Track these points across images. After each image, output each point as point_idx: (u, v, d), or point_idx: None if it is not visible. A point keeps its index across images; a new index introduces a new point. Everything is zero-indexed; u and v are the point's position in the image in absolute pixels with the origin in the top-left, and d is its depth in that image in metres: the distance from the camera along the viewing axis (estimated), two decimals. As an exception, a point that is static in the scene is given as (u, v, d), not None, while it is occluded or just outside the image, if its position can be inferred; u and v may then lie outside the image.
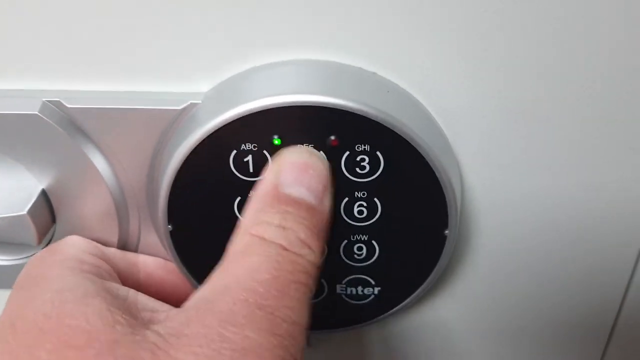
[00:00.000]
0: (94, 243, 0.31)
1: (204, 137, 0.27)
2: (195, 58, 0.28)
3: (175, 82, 0.29)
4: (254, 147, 0.27)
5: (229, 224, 0.29)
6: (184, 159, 0.27)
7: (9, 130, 0.28)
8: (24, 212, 0.29)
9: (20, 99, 0.28)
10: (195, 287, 0.31)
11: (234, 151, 0.27)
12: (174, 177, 0.28)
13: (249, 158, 0.27)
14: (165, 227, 0.29)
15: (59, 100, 0.28)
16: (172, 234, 0.30)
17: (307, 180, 0.25)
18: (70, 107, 0.28)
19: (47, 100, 0.28)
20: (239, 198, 0.29)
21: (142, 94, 0.29)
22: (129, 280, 0.31)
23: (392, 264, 0.31)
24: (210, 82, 0.29)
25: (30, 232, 0.29)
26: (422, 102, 0.29)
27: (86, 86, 0.29)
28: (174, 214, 0.29)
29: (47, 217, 0.31)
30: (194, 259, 0.31)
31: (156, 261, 0.32)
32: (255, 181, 0.28)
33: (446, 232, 0.29)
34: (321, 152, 0.27)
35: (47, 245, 0.32)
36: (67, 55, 0.28)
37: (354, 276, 0.31)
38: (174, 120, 0.28)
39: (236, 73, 0.28)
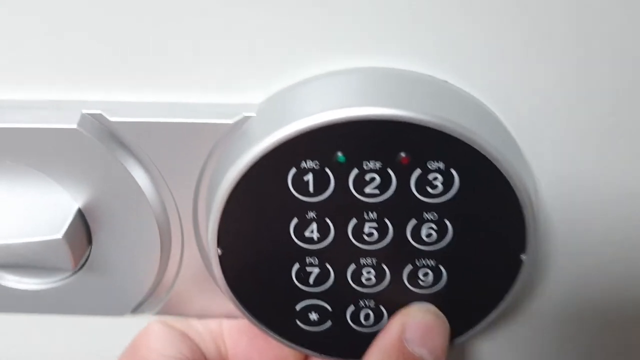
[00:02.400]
0: (175, 330, 0.30)
1: (261, 154, 0.24)
2: (247, 66, 0.26)
3: (226, 93, 0.26)
4: (316, 165, 0.25)
5: (284, 248, 0.27)
6: (239, 178, 0.25)
7: (44, 146, 0.26)
8: (60, 235, 0.26)
9: (58, 111, 0.26)
10: (246, 317, 0.29)
11: (293, 169, 0.25)
12: (226, 197, 0.25)
13: (310, 177, 0.25)
14: (214, 251, 0.27)
15: (100, 113, 0.26)
16: (222, 258, 0.27)
17: (431, 343, 0.27)
18: (113, 121, 0.26)
19: (87, 113, 0.26)
20: (295, 220, 0.26)
21: (190, 106, 0.26)
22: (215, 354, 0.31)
23: (460, 291, 0.28)
24: (264, 93, 0.26)
25: (66, 257, 0.27)
26: (497, 114, 0.26)
27: (128, 97, 0.26)
28: (225, 236, 0.26)
29: (83, 239, 0.28)
30: (243, 285, 0.28)
31: (239, 325, 0.31)
32: (315, 202, 0.25)
33: (523, 256, 0.27)
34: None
35: (81, 268, 0.29)
36: (108, 62, 0.25)
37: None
38: (225, 135, 0.26)
39: (293, 82, 0.26)
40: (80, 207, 0.28)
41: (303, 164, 0.25)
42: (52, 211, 0.27)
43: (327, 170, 0.25)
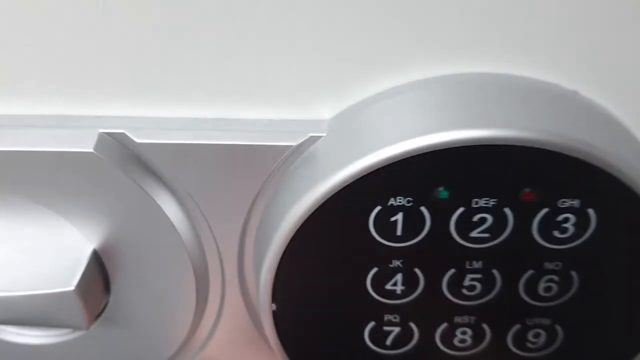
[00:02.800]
0: None
1: (337, 188, 0.18)
2: (313, 74, 0.19)
3: (285, 107, 0.20)
4: (408, 202, 0.19)
5: (357, 302, 0.21)
6: (305, 217, 0.19)
7: (52, 174, 0.20)
8: (71, 287, 0.20)
9: (69, 130, 0.20)
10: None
11: (378, 208, 0.19)
12: (287, 241, 0.19)
13: (399, 217, 0.19)
14: (267, 306, 0.21)
15: (123, 133, 0.20)
16: (276, 315, 0.21)
17: None
18: (139, 142, 0.20)
19: (106, 132, 0.20)
20: (375, 269, 0.20)
21: (238, 124, 0.20)
22: None
23: (577, 354, 0.22)
24: (333, 107, 0.20)
25: (78, 313, 0.21)
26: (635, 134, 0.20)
27: (158, 112, 0.20)
28: (281, 289, 0.21)
29: (99, 288, 0.22)
30: (301, 347, 0.22)
31: None
32: (403, 248, 0.19)
33: (666, 316, 0.21)
34: None
35: (96, 318, 0.23)
36: (134, 71, 0.19)
37: (522, 369, 0.23)
38: (285, 161, 0.20)
39: (371, 94, 0.20)
40: (96, 248, 0.22)
41: (392, 201, 0.19)
42: (63, 256, 0.21)
43: (423, 209, 0.19)
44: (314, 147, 0.20)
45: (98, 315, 0.24)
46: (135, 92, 0.20)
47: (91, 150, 0.19)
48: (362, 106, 0.20)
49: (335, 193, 0.19)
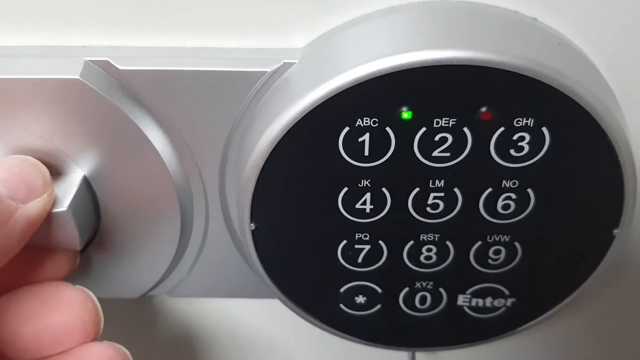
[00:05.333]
0: None
1: (307, 110, 0.20)
2: (287, 4, 0.21)
3: (261, 36, 0.21)
4: (374, 123, 0.20)
5: (330, 222, 0.22)
6: (278, 139, 0.20)
7: (40, 101, 0.21)
8: (64, 207, 0.22)
9: (56, 59, 0.21)
10: (281, 300, 0.25)
11: (346, 129, 0.20)
12: (263, 162, 0.21)
13: (366, 137, 0.20)
14: (246, 226, 0.22)
15: (107, 60, 0.21)
16: (255, 234, 0.23)
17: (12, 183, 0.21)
18: (123, 69, 0.21)
19: (91, 60, 0.21)
20: (345, 189, 0.22)
21: (217, 52, 0.21)
22: None
23: (536, 270, 0.24)
24: (306, 36, 0.21)
25: (72, 234, 0.22)
26: (594, 61, 0.21)
27: (141, 41, 0.22)
28: (259, 209, 0.22)
29: (90, 213, 0.24)
30: (279, 265, 0.24)
31: None
32: (371, 168, 0.21)
33: (615, 231, 0.22)
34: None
35: (88, 245, 0.25)
36: (116, 1, 0.21)
37: (483, 285, 0.24)
38: (261, 87, 0.21)
39: (342, 22, 0.21)
40: (85, 174, 0.23)
41: (359, 122, 0.20)
42: (54, 180, 0.23)
43: (388, 129, 0.20)
44: (288, 74, 0.21)
45: (90, 242, 0.25)
46: (117, 22, 0.21)
47: (77, 77, 0.21)
48: (332, 34, 0.21)
49: (306, 115, 0.20)
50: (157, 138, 0.22)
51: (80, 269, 0.26)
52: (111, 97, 0.21)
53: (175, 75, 0.21)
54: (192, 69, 0.21)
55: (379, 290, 0.24)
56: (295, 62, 0.21)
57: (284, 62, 0.21)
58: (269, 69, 0.21)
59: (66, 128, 0.22)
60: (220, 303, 0.29)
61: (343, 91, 0.19)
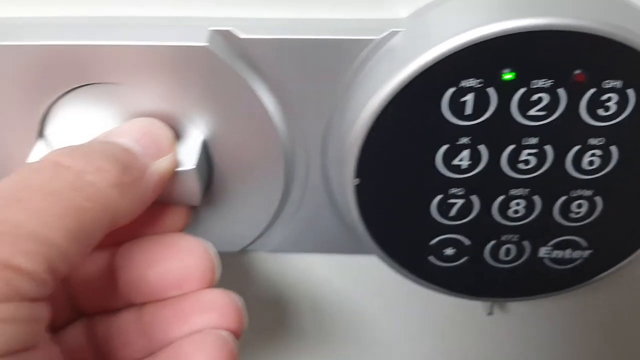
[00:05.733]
0: None
1: (417, 72, 0.22)
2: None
3: (367, 8, 0.23)
4: (478, 83, 0.22)
5: (428, 177, 0.24)
6: (388, 99, 0.22)
7: (167, 66, 0.23)
8: (193, 165, 0.24)
9: (181, 28, 0.23)
10: (374, 251, 0.27)
11: (451, 89, 0.22)
12: (372, 121, 0.23)
13: (469, 97, 0.22)
14: (350, 180, 0.25)
15: (228, 30, 0.23)
16: (358, 189, 0.25)
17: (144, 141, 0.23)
18: (244, 38, 0.23)
19: (215, 30, 0.23)
20: (445, 146, 0.24)
21: (328, 22, 0.24)
22: None
23: (613, 222, 0.26)
24: (408, 7, 0.23)
25: (194, 190, 0.25)
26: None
27: (259, 13, 0.24)
28: (363, 165, 0.24)
29: (206, 171, 0.26)
30: (376, 218, 0.26)
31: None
32: (471, 126, 0.23)
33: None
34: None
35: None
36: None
37: (564, 237, 0.26)
38: (369, 53, 0.23)
39: (443, -6, 0.23)
40: (204, 138, 0.25)
41: (463, 83, 0.22)
42: (181, 144, 0.25)
43: (490, 89, 0.22)
44: (394, 41, 0.23)
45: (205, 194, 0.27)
46: (239, -4, 0.23)
47: (205, 44, 0.23)
48: (433, 5, 0.23)
49: (415, 76, 0.22)
50: (269, 102, 0.25)
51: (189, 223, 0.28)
52: (232, 64, 0.23)
53: (290, 43, 0.23)
54: (306, 37, 0.23)
55: (467, 242, 0.26)
56: (402, 30, 0.23)
57: (391, 31, 0.23)
58: (377, 37, 0.23)
59: (189, 93, 0.24)
60: (308, 259, 0.31)
61: (451, 55, 0.21)
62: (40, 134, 0.25)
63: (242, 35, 0.23)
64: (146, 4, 0.24)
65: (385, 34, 0.23)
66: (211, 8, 0.24)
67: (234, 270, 0.31)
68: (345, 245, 0.29)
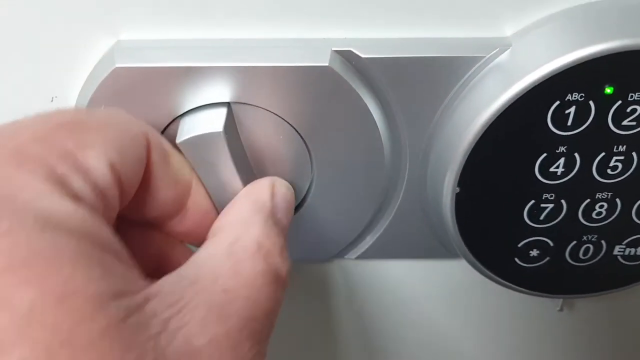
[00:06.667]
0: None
1: (527, 89, 0.24)
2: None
3: (474, 27, 0.25)
4: (581, 97, 0.24)
5: (524, 184, 0.27)
6: (497, 114, 0.24)
7: (290, 87, 0.25)
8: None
9: (306, 49, 0.25)
10: (464, 255, 0.29)
11: (557, 102, 0.24)
12: (479, 135, 0.25)
13: (572, 110, 0.25)
14: (452, 188, 0.27)
15: (350, 50, 0.25)
16: (458, 197, 0.27)
17: (288, 216, 0.25)
18: (364, 57, 0.25)
19: (337, 50, 0.25)
20: (544, 155, 0.26)
21: (438, 41, 0.26)
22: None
23: (683, 221, 0.28)
24: (514, 26, 0.26)
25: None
26: None
27: (373, 34, 0.26)
28: (467, 175, 0.26)
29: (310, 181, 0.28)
30: (471, 225, 0.28)
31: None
32: (569, 136, 0.25)
33: None
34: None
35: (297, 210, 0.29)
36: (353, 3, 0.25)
37: (637, 236, 0.29)
38: (477, 70, 0.25)
39: (543, 16, 0.25)
40: (309, 148, 0.27)
41: (568, 97, 0.24)
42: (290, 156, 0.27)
43: (591, 102, 0.24)
44: (502, 58, 0.25)
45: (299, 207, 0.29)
46: (356, 19, 0.25)
47: (327, 64, 0.24)
48: (538, 24, 0.25)
49: (525, 93, 0.24)
50: (378, 115, 0.26)
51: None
52: (352, 82, 0.25)
53: (405, 62, 0.25)
54: (420, 55, 0.25)
55: (552, 244, 0.29)
56: (509, 49, 0.25)
57: (499, 48, 0.25)
58: (486, 55, 0.25)
59: (307, 111, 0.26)
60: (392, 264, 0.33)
61: (559, 72, 0.24)
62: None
63: (364, 55, 0.25)
64: (271, 26, 0.25)
65: (494, 51, 0.25)
66: (330, 30, 0.25)
67: (321, 277, 0.32)
68: (431, 251, 0.31)
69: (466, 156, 0.26)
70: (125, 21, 0.25)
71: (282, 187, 0.26)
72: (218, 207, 0.25)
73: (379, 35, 0.25)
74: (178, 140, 0.24)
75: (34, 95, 0.26)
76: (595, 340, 0.36)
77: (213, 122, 0.25)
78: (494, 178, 0.27)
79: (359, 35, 0.25)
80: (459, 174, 0.26)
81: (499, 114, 0.25)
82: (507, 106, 0.24)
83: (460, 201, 0.27)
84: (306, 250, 0.31)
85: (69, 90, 0.26)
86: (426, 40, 0.26)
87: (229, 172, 0.25)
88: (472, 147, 0.25)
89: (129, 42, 0.25)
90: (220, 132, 0.24)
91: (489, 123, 0.25)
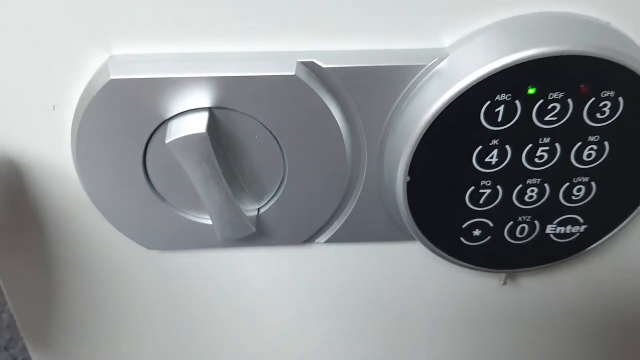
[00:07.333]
0: None
1: (463, 90, 0.28)
2: (439, 14, 0.29)
3: (418, 39, 0.30)
4: (508, 97, 0.29)
5: (464, 173, 0.31)
6: (440, 111, 0.29)
7: (261, 93, 0.29)
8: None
9: (274, 60, 0.29)
10: (417, 237, 0.33)
11: (488, 102, 0.29)
12: (424, 130, 0.29)
13: (501, 108, 0.29)
14: (403, 178, 0.31)
15: (312, 61, 0.29)
16: (409, 185, 0.31)
17: None
18: (325, 67, 0.29)
19: (301, 61, 0.29)
20: (480, 147, 0.30)
21: (386, 52, 0.30)
22: None
23: (603, 202, 0.33)
24: (451, 38, 0.30)
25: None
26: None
27: (333, 46, 0.30)
28: (415, 165, 0.30)
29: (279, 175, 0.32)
30: (421, 209, 0.32)
31: None
32: (500, 130, 0.30)
33: (660, 168, 0.32)
34: None
35: (270, 201, 0.33)
36: (318, 17, 0.29)
37: (566, 216, 0.33)
38: (420, 76, 0.30)
39: (476, 29, 0.30)
40: (281, 146, 0.31)
41: (497, 97, 0.29)
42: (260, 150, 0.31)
43: (517, 102, 0.29)
44: (440, 66, 0.29)
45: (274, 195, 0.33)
46: (318, 33, 0.29)
47: (293, 73, 0.29)
48: (471, 36, 0.30)
49: (462, 93, 0.28)
50: (339, 117, 0.31)
51: (263, 222, 0.33)
52: (315, 89, 0.29)
53: (361, 70, 0.29)
54: (373, 65, 0.29)
55: (491, 224, 0.33)
56: (446, 57, 0.29)
57: (438, 57, 0.29)
58: (428, 63, 0.29)
59: (278, 114, 0.30)
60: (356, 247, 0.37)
61: (490, 76, 0.28)
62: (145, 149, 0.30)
63: (325, 65, 0.29)
64: (245, 41, 0.29)
65: (434, 60, 0.29)
66: (296, 43, 0.29)
67: (296, 260, 0.37)
68: (389, 235, 0.35)
69: (414, 149, 0.30)
70: (118, 39, 0.29)
71: None
72: (205, 202, 0.29)
73: (338, 47, 0.30)
74: (167, 141, 0.29)
75: (36, 104, 0.30)
76: (538, 311, 0.41)
77: (197, 124, 0.29)
78: (439, 168, 0.31)
79: (320, 47, 0.30)
80: (408, 165, 0.30)
81: (439, 113, 0.29)
82: (446, 106, 0.29)
83: (411, 188, 0.31)
84: (282, 236, 0.35)
85: (69, 99, 0.30)
86: (378, 51, 0.30)
87: (212, 168, 0.29)
88: (418, 141, 0.30)
89: (121, 56, 0.29)
90: (203, 132, 0.28)
91: (432, 121, 0.29)
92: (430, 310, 0.40)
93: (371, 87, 0.30)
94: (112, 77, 0.28)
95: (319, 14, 0.29)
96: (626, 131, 0.30)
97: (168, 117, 0.29)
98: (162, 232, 0.34)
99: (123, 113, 0.29)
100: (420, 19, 0.29)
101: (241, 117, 0.30)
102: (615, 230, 0.34)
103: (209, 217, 0.33)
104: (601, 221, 0.34)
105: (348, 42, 0.30)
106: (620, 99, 0.29)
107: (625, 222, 0.34)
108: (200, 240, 0.34)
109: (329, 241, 0.36)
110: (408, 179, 0.31)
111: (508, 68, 0.28)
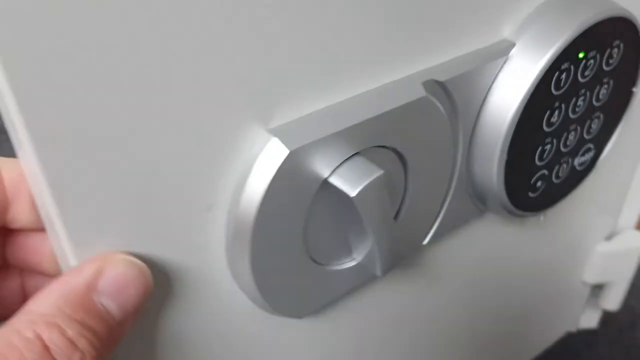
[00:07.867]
0: None
1: (543, 71, 0.34)
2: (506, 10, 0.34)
3: (484, 37, 0.34)
4: (568, 65, 0.35)
5: (536, 136, 0.37)
6: (532, 90, 0.34)
7: (398, 121, 0.31)
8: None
9: (400, 89, 0.31)
10: (502, 209, 0.38)
11: (556, 73, 0.35)
12: (518, 117, 0.34)
13: (563, 76, 0.35)
14: (498, 159, 0.35)
15: (431, 79, 0.32)
16: (507, 163, 0.36)
17: (124, 298, 0.24)
18: (444, 81, 0.32)
19: (423, 82, 0.32)
20: (548, 112, 0.36)
21: (469, 56, 0.34)
22: None
23: (605, 129, 0.42)
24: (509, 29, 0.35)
25: None
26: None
27: (430, 62, 0.33)
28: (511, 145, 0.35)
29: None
30: (513, 180, 0.37)
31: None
32: (561, 94, 0.36)
33: (634, 89, 0.42)
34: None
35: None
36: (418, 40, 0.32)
37: (585, 146, 0.42)
38: (498, 71, 0.34)
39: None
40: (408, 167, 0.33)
41: (563, 66, 0.35)
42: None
43: (572, 66, 0.36)
44: (511, 54, 0.35)
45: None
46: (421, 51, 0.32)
47: (424, 95, 0.31)
48: (525, 23, 0.35)
49: (544, 73, 0.34)
50: (449, 124, 0.34)
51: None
52: (442, 105, 0.32)
53: (466, 77, 0.33)
54: (471, 69, 0.33)
55: (546, 172, 0.40)
56: (514, 46, 0.35)
57: (509, 47, 0.34)
58: (507, 55, 0.34)
59: (409, 136, 0.32)
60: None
61: (559, 54, 0.34)
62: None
63: (442, 79, 0.32)
64: (369, 79, 0.31)
65: (512, 52, 0.34)
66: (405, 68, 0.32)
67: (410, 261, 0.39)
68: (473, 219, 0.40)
69: (511, 133, 0.35)
70: (273, 111, 0.28)
71: (116, 268, 0.24)
72: (376, 242, 0.31)
73: (433, 62, 0.33)
74: (352, 195, 0.29)
75: (190, 205, 0.27)
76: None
77: (367, 169, 0.30)
78: (522, 140, 0.36)
79: (422, 66, 0.32)
80: (507, 144, 0.35)
81: (530, 94, 0.34)
82: (534, 88, 0.34)
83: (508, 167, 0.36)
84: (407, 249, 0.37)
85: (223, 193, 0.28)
86: (459, 57, 0.34)
87: (389, 206, 0.30)
88: (515, 124, 0.35)
89: (279, 127, 0.28)
90: (382, 172, 0.29)
91: (525, 102, 0.34)
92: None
93: (467, 90, 0.34)
94: (291, 149, 0.27)
95: (418, 37, 0.31)
96: (622, 69, 0.39)
97: (327, 175, 0.29)
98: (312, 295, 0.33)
99: (296, 178, 0.28)
100: (483, 17, 0.34)
101: (379, 149, 0.31)
102: (607, 149, 0.43)
103: (351, 261, 0.33)
104: (602, 144, 0.43)
105: (437, 55, 0.33)
106: (621, 45, 0.38)
107: (612, 139, 0.43)
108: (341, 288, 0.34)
109: (430, 241, 0.39)
110: (506, 157, 0.36)
111: (571, 42, 0.34)
